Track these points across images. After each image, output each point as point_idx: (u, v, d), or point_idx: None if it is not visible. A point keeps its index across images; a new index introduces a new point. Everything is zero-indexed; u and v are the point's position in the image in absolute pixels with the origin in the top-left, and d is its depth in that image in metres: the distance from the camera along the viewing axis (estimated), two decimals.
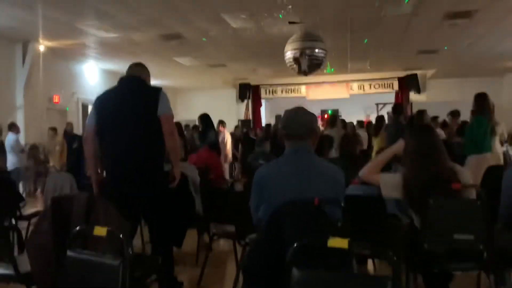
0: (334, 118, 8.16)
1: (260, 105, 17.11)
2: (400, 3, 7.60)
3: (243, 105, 16.72)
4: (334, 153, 5.78)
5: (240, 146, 10.06)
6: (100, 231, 1.87)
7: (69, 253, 1.89)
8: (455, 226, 2.67)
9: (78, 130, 11.29)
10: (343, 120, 10.62)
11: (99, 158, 3.33)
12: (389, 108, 15.07)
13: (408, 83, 15.26)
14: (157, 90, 3.24)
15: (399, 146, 3.02)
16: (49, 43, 9.98)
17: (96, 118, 3.23)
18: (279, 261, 1.82)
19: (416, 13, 8.17)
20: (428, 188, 2.70)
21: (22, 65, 10.00)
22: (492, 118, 5.51)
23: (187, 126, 10.89)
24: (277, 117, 15.73)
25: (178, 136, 3.40)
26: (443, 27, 9.13)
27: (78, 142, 5.94)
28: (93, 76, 12.96)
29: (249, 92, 16.58)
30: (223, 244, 5.12)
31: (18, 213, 4.59)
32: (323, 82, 15.77)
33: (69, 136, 9.69)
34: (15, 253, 3.13)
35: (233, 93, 16.58)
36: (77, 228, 2.03)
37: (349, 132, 8.85)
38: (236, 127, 13.21)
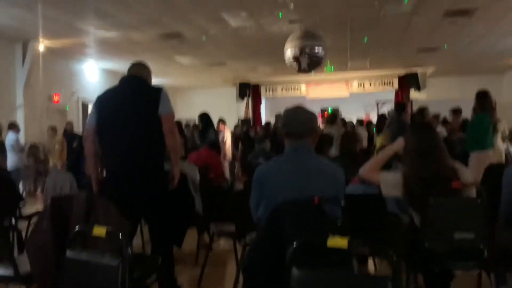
0: (333, 116, 8.15)
1: (260, 103, 17.11)
2: (400, 1, 7.59)
3: (243, 104, 16.71)
4: (334, 151, 5.77)
5: (240, 144, 10.06)
6: (99, 231, 1.86)
7: (68, 253, 1.89)
8: (456, 225, 2.67)
9: (78, 129, 11.31)
10: (343, 119, 10.61)
11: (99, 157, 3.33)
12: (389, 106, 15.11)
13: (408, 81, 15.24)
14: (158, 89, 3.24)
15: (399, 144, 3.01)
16: (49, 43, 9.96)
17: (96, 117, 3.23)
18: (279, 260, 1.81)
19: (416, 12, 8.16)
20: (428, 186, 2.69)
21: (22, 65, 10.01)
22: (494, 116, 5.50)
23: (187, 125, 10.89)
24: (277, 116, 15.72)
25: (178, 135, 3.40)
26: (443, 25, 9.12)
27: (78, 141, 5.95)
28: (93, 75, 12.96)
29: (249, 91, 16.57)
30: (223, 243, 5.11)
31: (18, 213, 4.59)
32: (323, 81, 15.77)
33: (69, 135, 9.71)
34: (15, 253, 3.12)
35: (233, 91, 16.56)
36: (77, 228, 2.02)
37: (350, 130, 8.83)
38: (236, 126, 13.22)
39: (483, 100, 5.46)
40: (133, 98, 3.21)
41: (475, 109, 5.61)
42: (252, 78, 15.97)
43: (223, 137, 10.03)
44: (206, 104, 12.27)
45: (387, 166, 3.13)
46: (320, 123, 9.92)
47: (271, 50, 10.43)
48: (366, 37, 10.06)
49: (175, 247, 3.87)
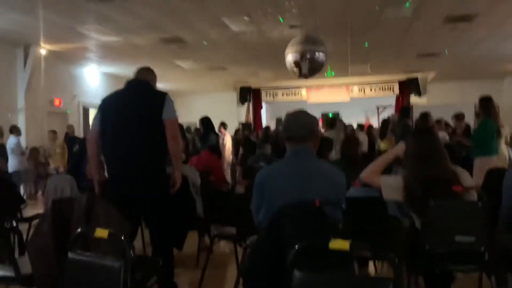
0: (333, 120, 8.16)
1: (261, 108, 17.13)
2: (400, 6, 7.62)
3: (244, 108, 16.73)
4: (334, 154, 5.77)
5: (240, 149, 10.07)
6: (101, 233, 1.87)
7: (70, 255, 1.89)
8: (456, 228, 2.67)
9: (79, 133, 11.32)
10: (341, 120, 10.57)
11: (102, 160, 3.35)
12: (389, 111, 15.11)
13: (409, 86, 15.27)
14: (163, 94, 3.28)
15: (400, 148, 3.02)
16: (50, 47, 10.00)
17: (100, 120, 3.26)
18: (279, 263, 1.81)
19: (416, 17, 8.19)
20: (428, 189, 2.70)
21: (23, 69, 10.03)
22: (498, 121, 5.51)
23: (188, 129, 10.91)
24: (278, 120, 15.74)
25: (181, 140, 3.42)
26: (444, 30, 9.15)
27: (79, 145, 5.96)
28: (94, 80, 12.99)
29: (249, 95, 16.60)
30: (223, 246, 5.11)
31: (19, 215, 4.59)
32: (323, 85, 15.79)
33: (70, 139, 9.73)
34: (16, 255, 3.12)
35: (234, 96, 16.59)
36: (78, 230, 2.02)
37: (349, 133, 8.82)
38: (237, 130, 13.22)
39: (487, 105, 5.46)
40: (136, 101, 3.24)
41: (478, 115, 5.60)
42: (253, 82, 16.00)
43: (223, 141, 10.05)
44: (207, 109, 12.29)
45: (387, 170, 3.14)
46: (320, 127, 9.91)
47: (272, 55, 10.45)
48: (366, 42, 10.09)
49: (175, 250, 3.87)
